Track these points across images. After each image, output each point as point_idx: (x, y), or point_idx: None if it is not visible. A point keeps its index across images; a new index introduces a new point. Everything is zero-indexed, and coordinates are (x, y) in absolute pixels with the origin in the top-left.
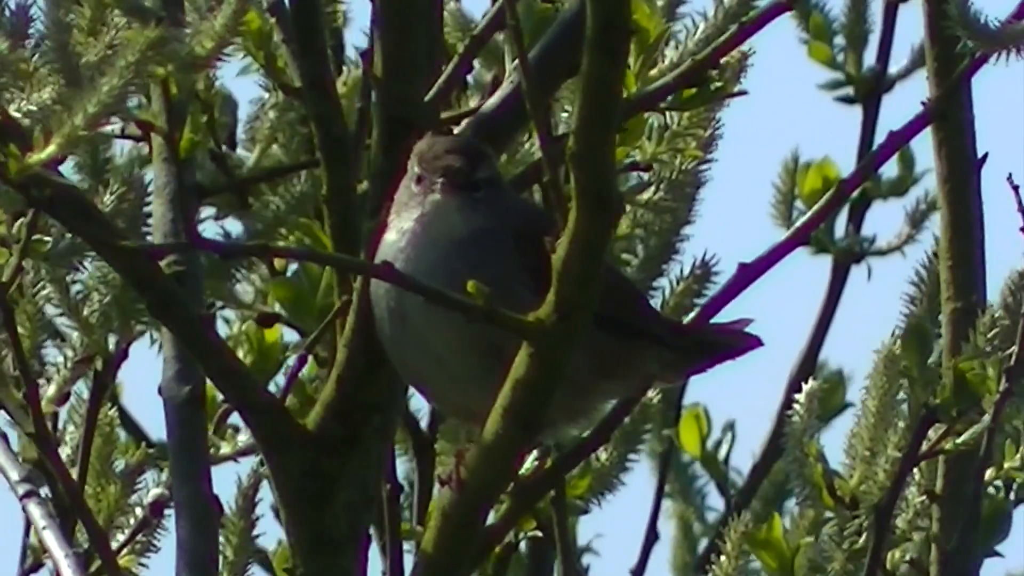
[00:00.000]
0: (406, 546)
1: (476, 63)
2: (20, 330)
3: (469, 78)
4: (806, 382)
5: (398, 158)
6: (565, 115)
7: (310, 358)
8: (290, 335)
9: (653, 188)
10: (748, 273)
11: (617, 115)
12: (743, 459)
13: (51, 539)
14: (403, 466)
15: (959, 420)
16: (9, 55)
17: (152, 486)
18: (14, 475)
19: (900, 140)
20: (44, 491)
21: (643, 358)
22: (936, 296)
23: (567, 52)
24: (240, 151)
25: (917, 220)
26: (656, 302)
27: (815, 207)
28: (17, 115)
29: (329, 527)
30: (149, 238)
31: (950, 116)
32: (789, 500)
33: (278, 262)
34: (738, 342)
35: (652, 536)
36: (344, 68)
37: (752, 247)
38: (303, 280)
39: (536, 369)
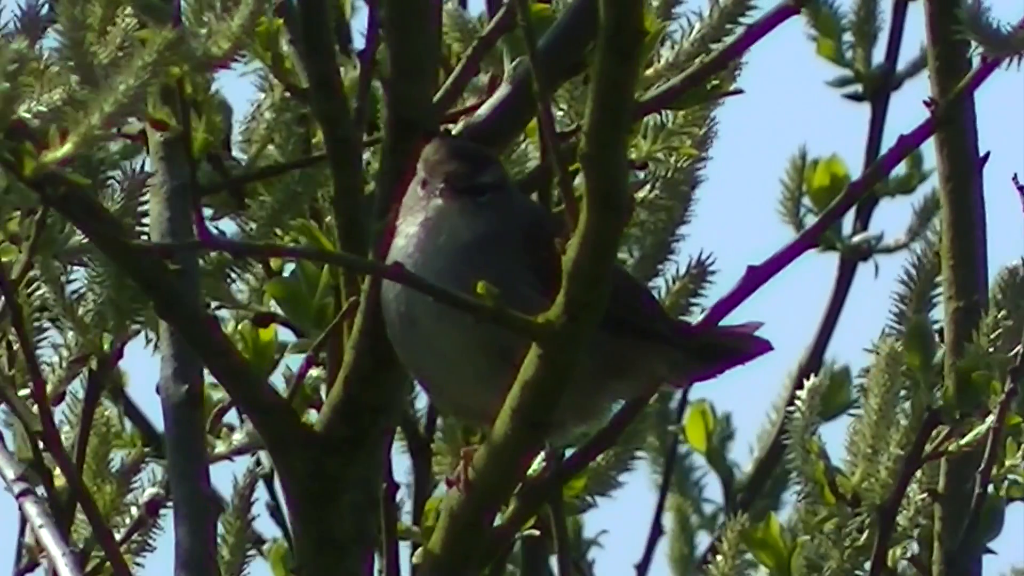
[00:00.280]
0: (403, 546)
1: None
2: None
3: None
4: (809, 378)
5: (405, 159)
6: (560, 114)
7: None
8: (285, 335)
9: (648, 187)
10: (757, 275)
11: (628, 116)
12: (744, 455)
13: (48, 538)
14: (400, 466)
15: (962, 421)
16: (23, 54)
17: (148, 485)
18: (10, 474)
19: (909, 144)
20: (40, 490)
21: (651, 359)
22: (926, 293)
23: (565, 53)
24: (236, 152)
25: (924, 218)
26: None
27: (824, 211)
28: (27, 116)
29: (334, 528)
30: (144, 237)
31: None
32: (786, 496)
33: (274, 262)
34: (747, 346)
35: (656, 531)
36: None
37: (760, 244)
38: (301, 280)
39: (545, 370)
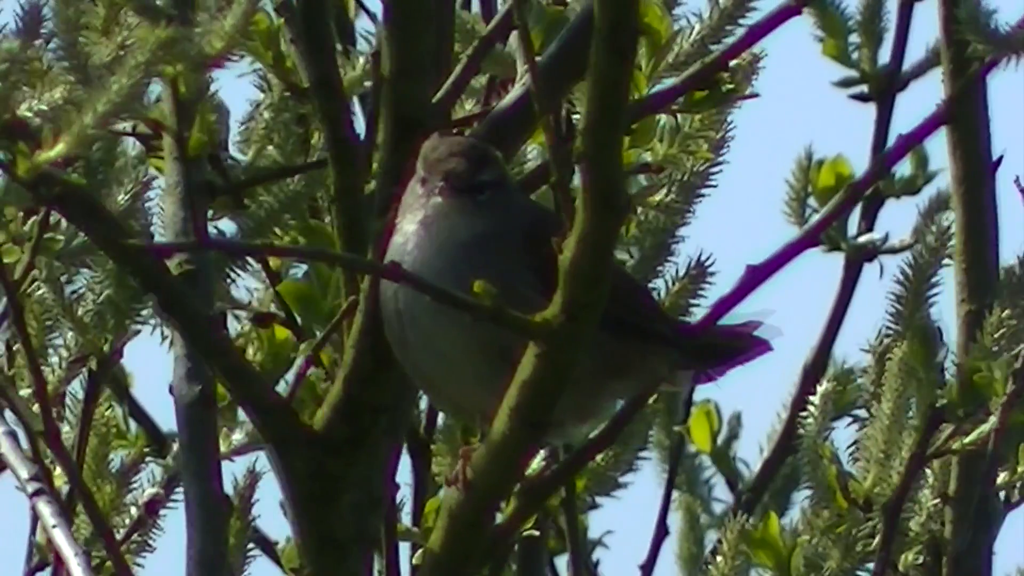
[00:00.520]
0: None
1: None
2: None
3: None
4: (818, 380)
5: (406, 158)
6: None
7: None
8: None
9: (664, 190)
10: (757, 274)
11: (625, 115)
12: (751, 454)
13: (61, 538)
14: (400, 467)
15: (967, 421)
16: (21, 54)
17: (148, 485)
18: (24, 473)
19: (910, 142)
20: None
21: (651, 359)
22: (922, 293)
23: (578, 55)
24: (234, 152)
25: (930, 219)
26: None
27: (825, 209)
28: (28, 115)
29: (335, 528)
30: (159, 238)
31: (965, 118)
32: (796, 496)
33: (274, 262)
34: (747, 346)
35: (662, 531)
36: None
37: (766, 245)
38: (313, 281)
39: (543, 369)
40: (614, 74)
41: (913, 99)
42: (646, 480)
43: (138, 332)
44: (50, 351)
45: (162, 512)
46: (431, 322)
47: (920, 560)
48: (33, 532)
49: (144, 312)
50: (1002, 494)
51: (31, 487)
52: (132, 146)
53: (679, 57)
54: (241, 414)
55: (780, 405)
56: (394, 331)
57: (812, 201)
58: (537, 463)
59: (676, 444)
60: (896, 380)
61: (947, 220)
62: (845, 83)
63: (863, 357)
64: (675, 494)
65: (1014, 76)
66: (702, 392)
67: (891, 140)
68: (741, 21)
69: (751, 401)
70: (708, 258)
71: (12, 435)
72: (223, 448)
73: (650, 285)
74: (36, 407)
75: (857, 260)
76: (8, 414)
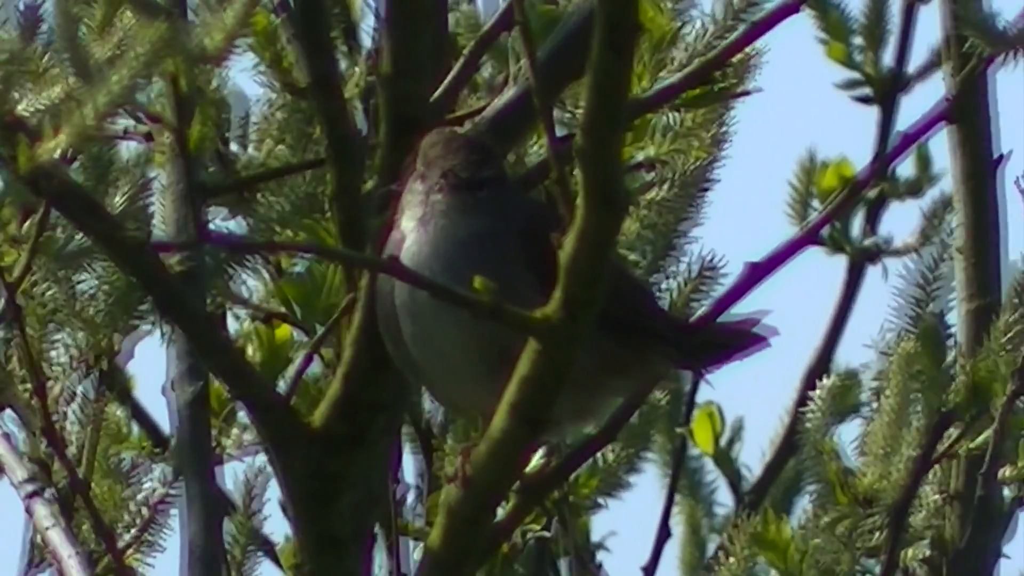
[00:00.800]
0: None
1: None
2: (28, 330)
3: (478, 78)
4: (821, 379)
5: (404, 156)
6: (568, 115)
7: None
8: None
9: (659, 187)
10: (757, 272)
11: (624, 113)
12: (753, 457)
13: (56, 538)
14: (408, 465)
15: (975, 422)
16: (20, 51)
17: (158, 485)
18: (20, 474)
19: (912, 141)
20: (48, 492)
21: (650, 357)
22: (928, 290)
23: (576, 54)
24: (240, 149)
25: (933, 220)
26: (663, 303)
27: (826, 206)
28: (27, 113)
29: (334, 526)
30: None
31: (968, 117)
32: (799, 498)
33: (284, 260)
34: (744, 341)
35: (664, 534)
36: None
37: (768, 246)
38: (310, 279)
39: (542, 366)
40: (613, 71)
41: (916, 101)
42: (648, 482)
43: (149, 332)
44: (56, 350)
45: (165, 511)
46: (429, 318)
47: (922, 556)
48: (32, 534)
49: (142, 307)
50: (1007, 492)
51: (26, 489)
52: (127, 148)
53: (691, 56)
54: (241, 415)
55: (782, 408)
56: (390, 328)
57: (816, 203)
58: (536, 460)
59: (678, 446)
60: (899, 376)
61: (952, 220)
62: (848, 85)
63: (866, 356)
64: (678, 499)
65: (1021, 74)
66: (703, 393)
67: (894, 142)
68: (743, 18)
69: (753, 404)
70: (720, 258)
71: (7, 436)
72: (229, 447)
73: (662, 286)
74: (37, 405)
75: (860, 262)
76: (9, 413)
